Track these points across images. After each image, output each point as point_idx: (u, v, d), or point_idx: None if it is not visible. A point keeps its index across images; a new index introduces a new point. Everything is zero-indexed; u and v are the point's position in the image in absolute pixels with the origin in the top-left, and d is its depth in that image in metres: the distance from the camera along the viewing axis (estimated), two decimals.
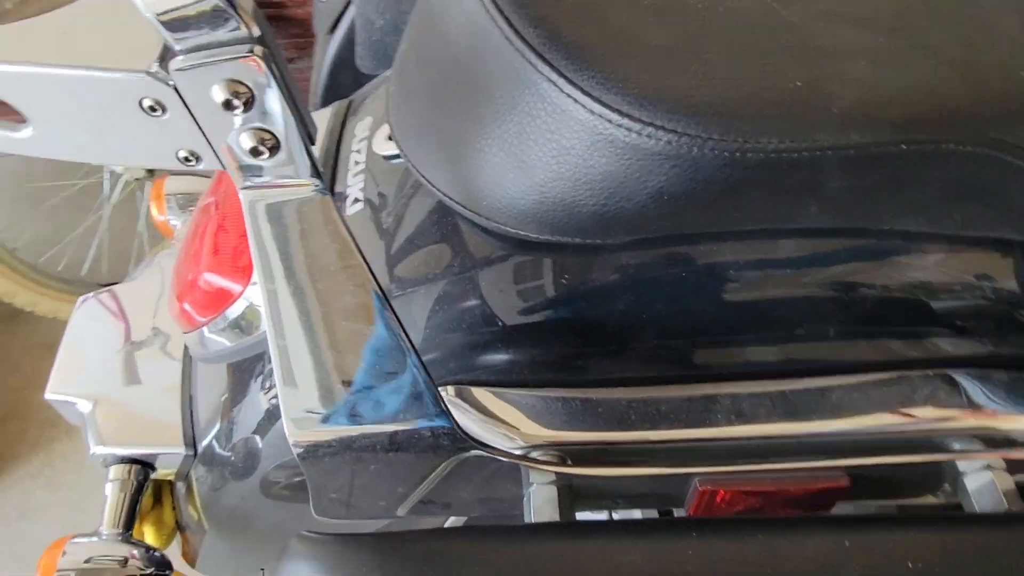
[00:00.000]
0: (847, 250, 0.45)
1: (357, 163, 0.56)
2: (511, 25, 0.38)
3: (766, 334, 0.47)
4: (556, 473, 0.46)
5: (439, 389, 0.49)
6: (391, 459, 0.44)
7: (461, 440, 0.44)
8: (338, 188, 0.57)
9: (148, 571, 0.61)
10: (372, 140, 0.56)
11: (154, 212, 0.85)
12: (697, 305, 0.46)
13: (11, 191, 1.55)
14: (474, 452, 0.45)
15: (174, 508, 0.75)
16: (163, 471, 0.67)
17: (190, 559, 0.78)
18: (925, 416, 0.49)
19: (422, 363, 0.42)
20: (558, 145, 0.38)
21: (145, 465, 0.66)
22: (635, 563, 0.32)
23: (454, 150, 0.43)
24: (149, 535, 0.72)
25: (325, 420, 0.42)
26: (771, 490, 0.46)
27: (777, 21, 0.38)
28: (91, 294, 0.77)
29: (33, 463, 1.41)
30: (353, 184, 0.55)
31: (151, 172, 1.31)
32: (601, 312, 0.47)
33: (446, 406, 0.44)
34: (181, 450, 0.64)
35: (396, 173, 0.54)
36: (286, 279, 0.40)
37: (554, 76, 0.37)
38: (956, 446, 0.49)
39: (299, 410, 0.42)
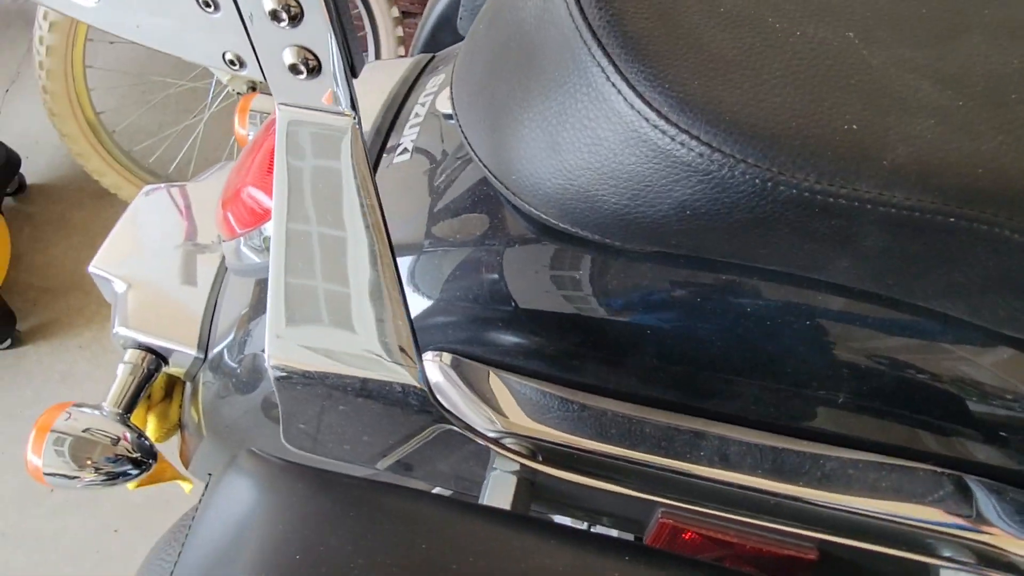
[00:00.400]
0: (880, 318, 0.42)
1: (417, 115, 0.56)
2: (578, 1, 0.37)
3: (772, 384, 0.44)
4: (521, 464, 0.45)
5: (436, 353, 0.49)
6: (360, 405, 0.44)
7: (431, 406, 0.44)
8: (393, 137, 0.57)
9: (135, 455, 0.63)
10: (437, 96, 0.56)
11: (236, 125, 0.88)
12: (706, 336, 0.44)
13: (127, 79, 1.62)
14: (444, 424, 0.45)
15: (180, 406, 0.77)
16: (175, 367, 0.69)
17: (185, 459, 0.81)
18: (922, 513, 0.46)
19: (410, 320, 0.42)
20: (593, 134, 0.37)
21: (159, 356, 0.68)
22: (551, 568, 0.31)
23: (498, 117, 0.43)
24: (152, 426, 0.74)
25: (305, 348, 0.42)
26: (734, 541, 0.43)
27: (854, 58, 0.36)
28: (160, 185, 0.80)
29: (85, 335, 1.48)
30: (407, 135, 0.56)
31: (254, 87, 1.36)
32: (608, 317, 0.45)
33: (424, 369, 0.43)
34: (193, 351, 0.66)
35: (448, 132, 0.54)
36: (298, 201, 0.40)
37: (604, 61, 0.35)
38: (947, 553, 0.46)
39: (283, 330, 0.42)
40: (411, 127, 0.56)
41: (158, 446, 0.70)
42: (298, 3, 0.34)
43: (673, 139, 0.34)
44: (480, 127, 0.45)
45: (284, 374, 0.43)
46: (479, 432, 0.45)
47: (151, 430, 0.74)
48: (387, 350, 0.42)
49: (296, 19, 0.34)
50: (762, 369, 0.44)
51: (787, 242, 0.36)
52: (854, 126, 0.34)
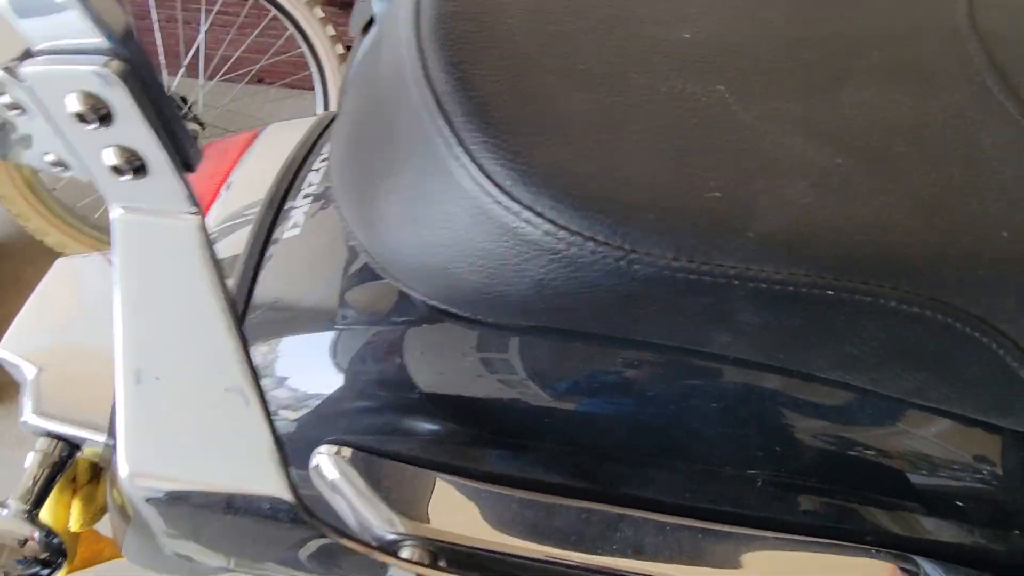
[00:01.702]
0: (790, 392, 0.39)
1: (311, 184, 0.53)
2: (424, 64, 0.34)
3: (683, 465, 0.41)
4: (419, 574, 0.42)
5: (334, 446, 0.46)
6: (231, 522, 0.41)
7: (305, 517, 0.40)
8: (287, 204, 0.54)
9: (43, 556, 0.60)
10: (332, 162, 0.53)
11: None
12: (609, 417, 0.41)
13: None
14: (323, 539, 0.41)
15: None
16: (90, 453, 0.65)
17: (118, 543, 0.77)
18: None
19: (270, 421, 0.38)
20: (443, 209, 0.34)
21: (72, 444, 0.64)
22: None
23: (363, 189, 0.39)
24: (76, 511, 0.70)
25: (160, 462, 0.39)
26: None
27: (724, 117, 0.33)
28: (74, 256, 0.77)
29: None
30: (300, 206, 0.52)
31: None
32: (510, 400, 0.42)
33: (294, 477, 0.40)
34: (102, 437, 0.62)
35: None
36: (144, 306, 0.37)
37: (447, 131, 0.32)
38: None
39: (138, 445, 0.39)
40: (304, 197, 0.53)
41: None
42: (106, 103, 0.31)
43: (518, 216, 0.31)
44: (351, 199, 0.42)
45: (144, 491, 0.40)
46: (365, 544, 0.42)
47: (76, 515, 0.71)
48: (251, 460, 0.39)
49: (107, 119, 0.31)
50: (673, 450, 0.41)
51: (660, 319, 0.33)
52: (718, 193, 0.31)
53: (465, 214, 0.33)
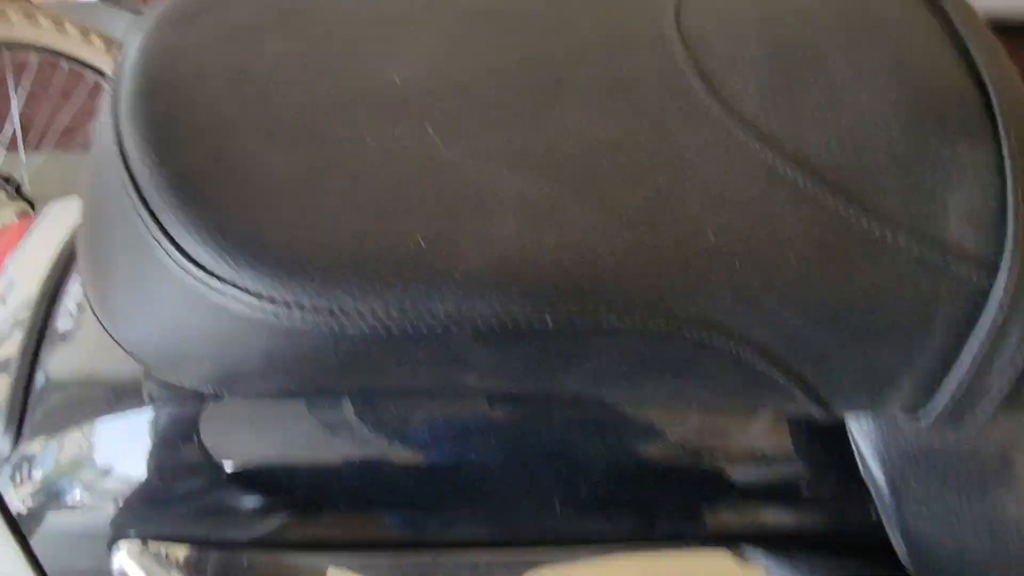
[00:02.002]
0: (570, 409, 0.39)
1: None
2: (121, 146, 0.32)
3: (482, 501, 0.40)
4: None
5: (131, 541, 0.43)
6: None
7: None
8: (63, 290, 0.51)
9: None
10: None
11: None
12: (397, 467, 0.40)
13: None
14: None
15: None
16: None
17: None
18: None
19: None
20: (160, 293, 0.32)
21: None
22: None
23: (96, 272, 0.37)
24: None
25: None
26: None
27: (430, 159, 0.32)
28: None
29: None
30: (75, 292, 0.50)
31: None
32: (296, 467, 0.41)
33: None
34: None
35: None
36: None
37: (145, 215, 0.31)
38: None
39: None
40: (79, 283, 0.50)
41: None
42: None
43: (224, 294, 0.30)
44: (89, 282, 0.39)
45: None
46: None
47: None
48: None
49: None
50: (469, 490, 0.40)
51: (398, 370, 0.32)
52: (422, 241, 0.30)
53: (179, 297, 0.31)
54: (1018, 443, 0.37)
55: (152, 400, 0.43)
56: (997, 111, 0.33)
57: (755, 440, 0.42)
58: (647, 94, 0.35)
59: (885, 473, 0.38)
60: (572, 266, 0.30)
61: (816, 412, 0.36)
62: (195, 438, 0.42)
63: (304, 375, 0.33)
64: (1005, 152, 0.32)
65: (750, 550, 0.45)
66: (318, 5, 0.38)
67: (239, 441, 0.42)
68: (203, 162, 0.31)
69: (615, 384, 0.34)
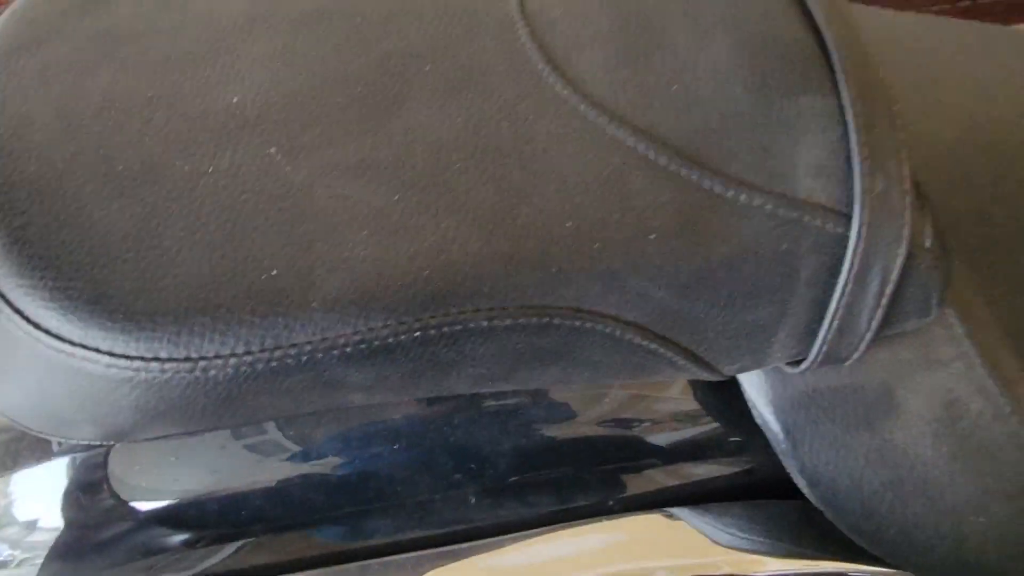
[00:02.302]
0: (469, 404, 0.40)
1: None
2: None
3: (398, 504, 0.41)
4: None
5: None
6: None
7: None
8: None
9: None
10: None
11: None
12: (310, 483, 0.40)
13: None
14: None
15: None
16: None
17: None
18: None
19: None
20: (16, 360, 0.31)
21: None
22: None
23: None
24: None
25: None
26: None
27: (275, 183, 0.31)
28: None
29: None
30: None
31: None
32: (201, 499, 0.40)
33: None
34: None
35: None
36: None
37: None
38: None
39: None
40: None
41: None
42: None
43: (75, 356, 0.28)
44: None
45: None
46: None
47: None
48: None
49: None
50: (385, 496, 0.40)
51: (278, 401, 0.32)
52: (275, 271, 0.29)
53: (38, 364, 0.30)
54: (896, 374, 0.38)
55: (61, 449, 0.42)
56: (836, 61, 0.33)
57: (664, 405, 0.43)
58: (495, 83, 0.34)
59: (778, 420, 0.39)
60: (431, 275, 0.30)
61: (705, 375, 0.37)
62: (106, 484, 0.42)
63: (182, 422, 0.32)
64: (846, 102, 0.33)
65: (676, 510, 0.46)
66: (146, 29, 0.36)
67: (152, 479, 0.42)
68: (38, 220, 0.30)
69: (501, 379, 0.34)
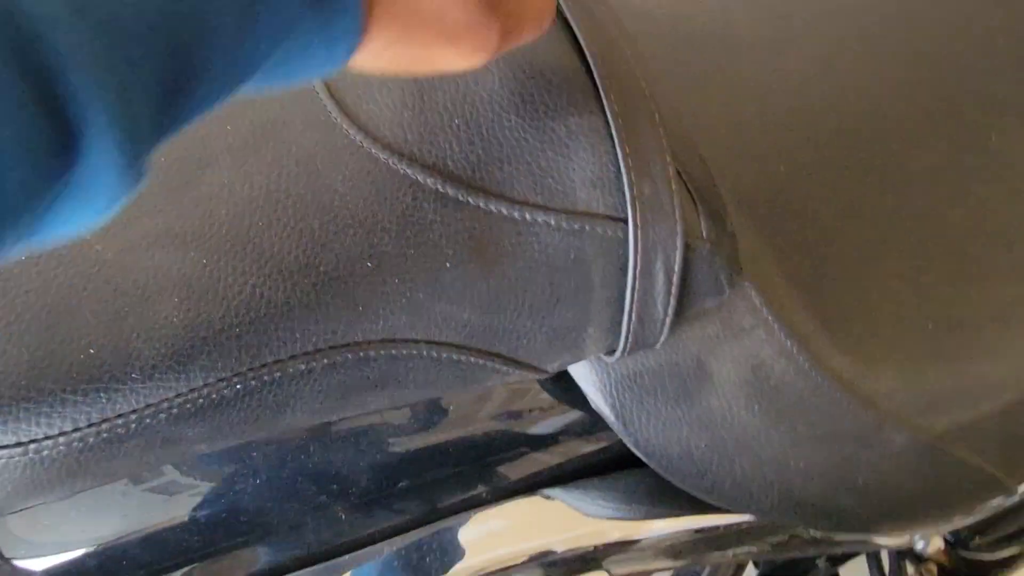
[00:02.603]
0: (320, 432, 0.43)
1: None
2: None
3: (272, 535, 0.44)
4: None
5: None
6: None
7: None
8: None
9: None
10: None
11: None
12: (183, 529, 0.42)
13: None
14: None
15: None
16: None
17: None
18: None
19: None
20: None
21: None
22: None
23: None
24: None
25: None
26: None
27: (89, 263, 0.33)
28: None
29: None
30: None
31: None
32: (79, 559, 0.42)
33: None
34: None
35: None
36: None
37: None
38: None
39: None
40: None
41: None
42: None
43: None
44: None
45: None
46: None
47: None
48: None
49: None
50: (269, 527, 0.43)
51: (125, 463, 0.34)
52: (92, 349, 0.32)
53: None
54: (705, 348, 0.42)
55: None
56: (597, 80, 0.37)
57: (520, 398, 0.47)
58: (293, 137, 0.36)
59: (607, 403, 0.43)
60: (241, 332, 0.32)
61: (531, 376, 0.40)
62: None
63: (37, 495, 0.34)
64: (609, 116, 0.36)
65: (547, 491, 0.50)
66: None
67: (37, 544, 0.43)
68: None
69: (336, 410, 0.37)
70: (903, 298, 0.48)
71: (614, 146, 0.36)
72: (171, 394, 0.32)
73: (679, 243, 0.37)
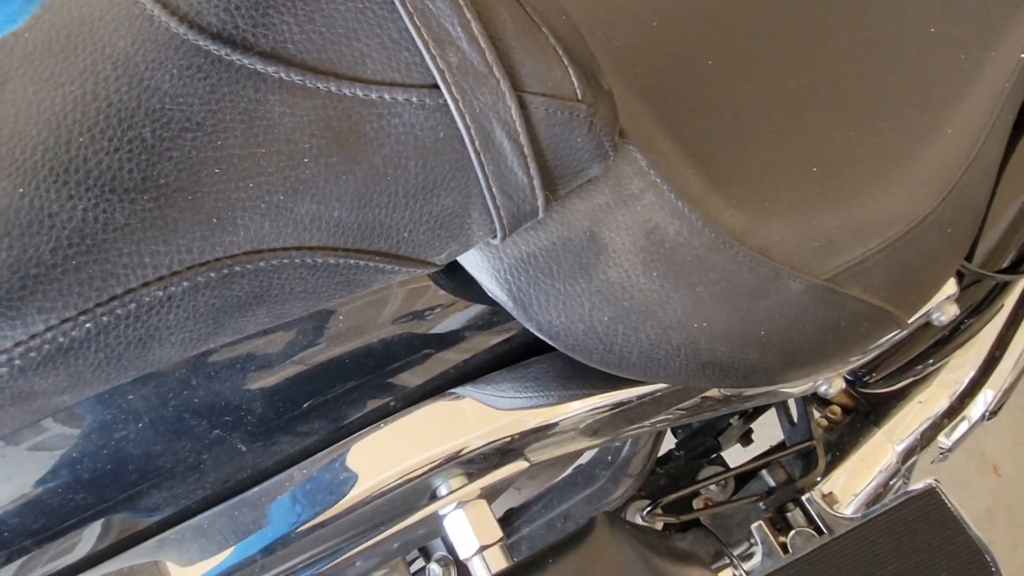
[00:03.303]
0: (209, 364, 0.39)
1: None
2: None
3: (172, 478, 0.41)
4: None
5: None
6: None
7: None
8: None
9: None
10: None
11: None
12: (68, 488, 0.39)
13: None
14: None
15: None
16: None
17: None
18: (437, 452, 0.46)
19: None
20: None
21: None
22: None
23: None
24: None
25: None
26: None
27: None
28: None
29: None
30: None
31: None
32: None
33: None
34: None
35: None
36: None
37: None
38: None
39: None
40: None
41: None
42: None
43: None
44: None
45: None
46: None
47: None
48: None
49: None
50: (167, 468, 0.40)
51: None
52: None
53: None
54: (596, 219, 0.41)
55: None
56: None
57: (413, 298, 0.45)
58: (105, 36, 0.32)
59: (503, 290, 0.41)
60: (80, 263, 0.29)
61: (419, 271, 0.38)
62: None
63: None
64: None
65: (459, 390, 0.49)
66: None
67: None
68: None
69: (211, 337, 0.34)
70: (787, 145, 0.48)
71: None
72: (8, 344, 0.28)
73: (511, 104, 0.34)
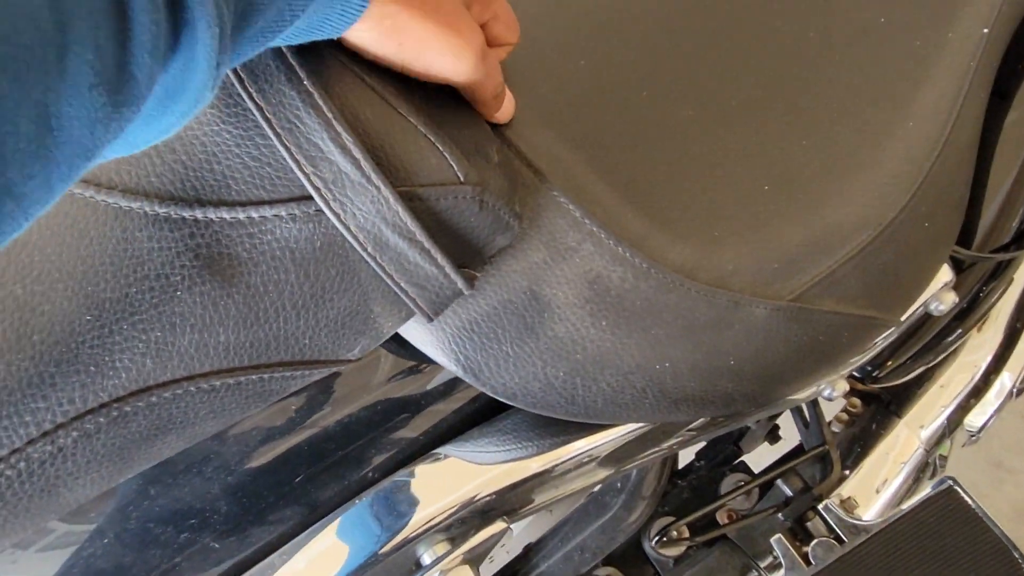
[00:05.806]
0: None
1: None
2: None
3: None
4: None
5: None
6: None
7: None
8: None
9: None
10: None
11: None
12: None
13: None
14: None
15: None
16: None
17: None
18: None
19: None
20: None
21: None
22: None
23: None
24: None
25: None
26: None
27: None
28: None
29: None
30: None
31: None
32: None
33: None
34: None
35: None
36: None
37: None
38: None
39: None
40: None
41: None
42: None
43: None
44: None
45: None
46: None
47: None
48: None
49: None
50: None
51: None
52: None
53: None
54: (535, 277, 0.40)
55: None
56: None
57: (375, 374, 0.45)
58: None
59: (451, 360, 0.41)
60: None
61: (335, 368, 0.37)
62: None
63: None
64: (254, 110, 0.31)
65: (442, 448, 0.49)
66: None
67: None
68: None
69: (123, 471, 0.33)
70: (734, 168, 0.46)
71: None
72: None
73: (396, 207, 0.32)
